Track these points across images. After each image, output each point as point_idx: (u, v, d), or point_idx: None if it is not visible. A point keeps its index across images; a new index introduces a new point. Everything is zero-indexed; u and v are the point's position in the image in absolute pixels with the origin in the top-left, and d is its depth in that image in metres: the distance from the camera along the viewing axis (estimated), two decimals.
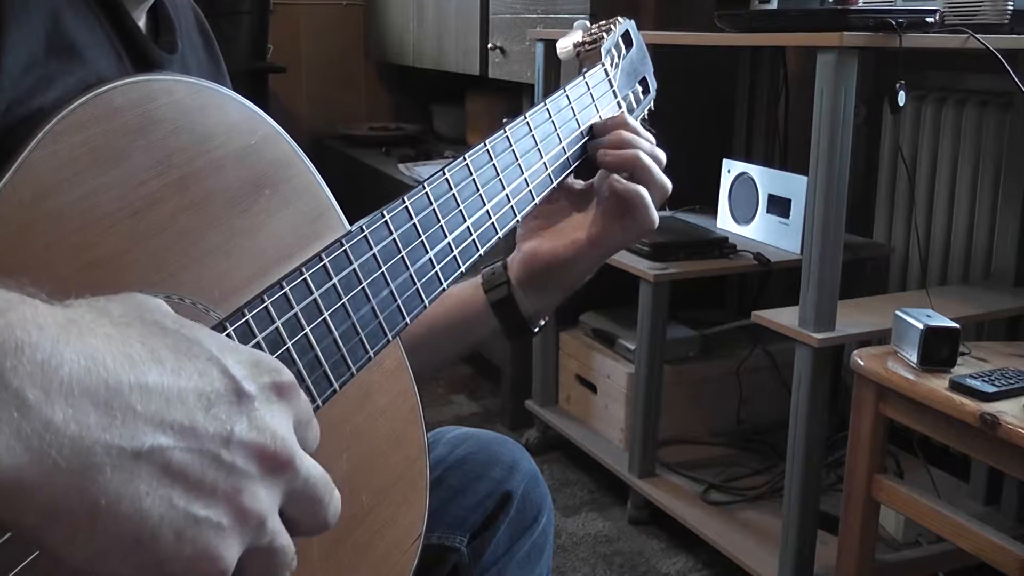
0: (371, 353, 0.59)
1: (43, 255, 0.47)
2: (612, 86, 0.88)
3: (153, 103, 0.51)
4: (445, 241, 0.66)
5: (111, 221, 0.49)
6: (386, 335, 0.60)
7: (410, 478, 0.66)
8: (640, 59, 0.93)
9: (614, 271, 1.97)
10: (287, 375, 0.43)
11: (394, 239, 0.62)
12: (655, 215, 0.79)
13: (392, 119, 3.89)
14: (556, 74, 2.21)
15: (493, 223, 0.71)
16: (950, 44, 1.59)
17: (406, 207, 0.63)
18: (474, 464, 0.90)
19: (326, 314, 0.56)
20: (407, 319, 0.62)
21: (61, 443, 0.34)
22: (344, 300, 0.57)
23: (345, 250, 0.58)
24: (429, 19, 3.21)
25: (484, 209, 0.70)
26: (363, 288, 0.59)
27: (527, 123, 0.76)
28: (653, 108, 0.96)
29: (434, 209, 0.66)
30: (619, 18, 0.92)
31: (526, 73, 2.51)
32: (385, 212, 0.62)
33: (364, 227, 0.60)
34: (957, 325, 1.37)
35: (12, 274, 0.40)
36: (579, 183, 0.84)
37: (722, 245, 2.02)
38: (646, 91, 0.94)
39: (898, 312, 1.43)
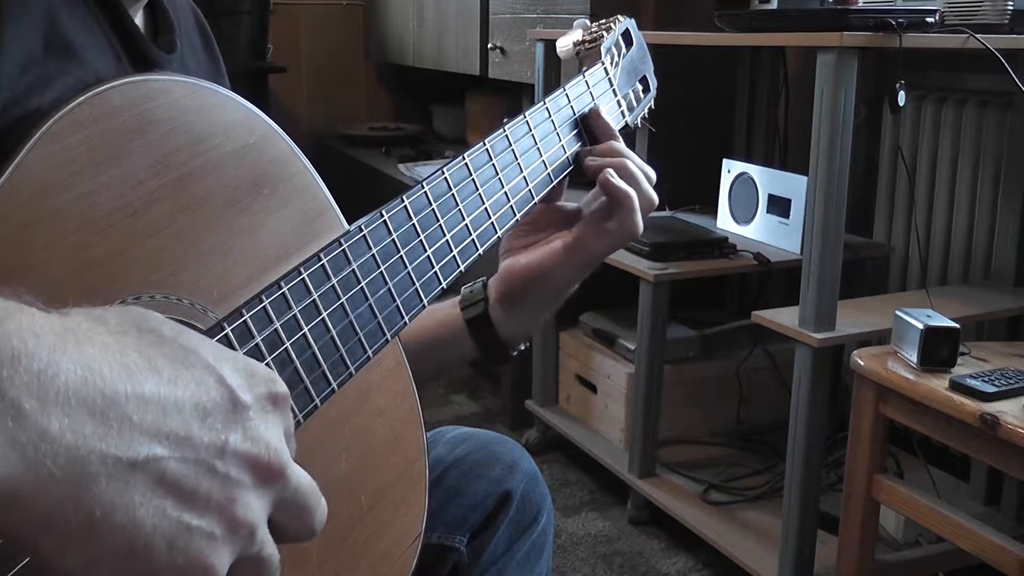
0: (370, 353, 0.59)
1: (41, 255, 0.46)
2: (612, 85, 0.88)
3: (151, 103, 0.51)
4: (444, 240, 0.66)
5: (109, 221, 0.49)
6: (385, 335, 0.60)
7: (409, 478, 0.66)
8: (640, 58, 0.93)
9: (614, 271, 1.97)
10: (282, 386, 0.43)
11: (393, 239, 0.62)
12: (640, 221, 0.77)
13: (392, 119, 3.89)
14: (556, 74, 2.21)
15: (492, 223, 0.71)
16: (950, 44, 1.59)
17: (405, 207, 0.63)
18: (474, 464, 0.90)
19: (324, 314, 0.56)
20: (406, 318, 0.62)
21: (56, 453, 0.34)
22: (343, 300, 0.57)
23: (344, 250, 0.58)
24: (429, 19, 3.21)
25: (483, 208, 0.70)
26: (362, 288, 0.59)
27: (526, 122, 0.76)
28: (653, 107, 0.96)
29: (433, 209, 0.66)
30: (619, 17, 0.92)
31: (526, 73, 2.51)
32: (384, 212, 0.62)
33: (363, 227, 0.60)
34: (957, 325, 1.37)
35: (9, 282, 0.40)
36: (570, 205, 0.82)
37: (722, 245, 2.02)
38: (646, 90, 0.94)
39: (898, 312, 1.43)
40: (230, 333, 0.50)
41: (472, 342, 0.83)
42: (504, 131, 0.73)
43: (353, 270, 0.58)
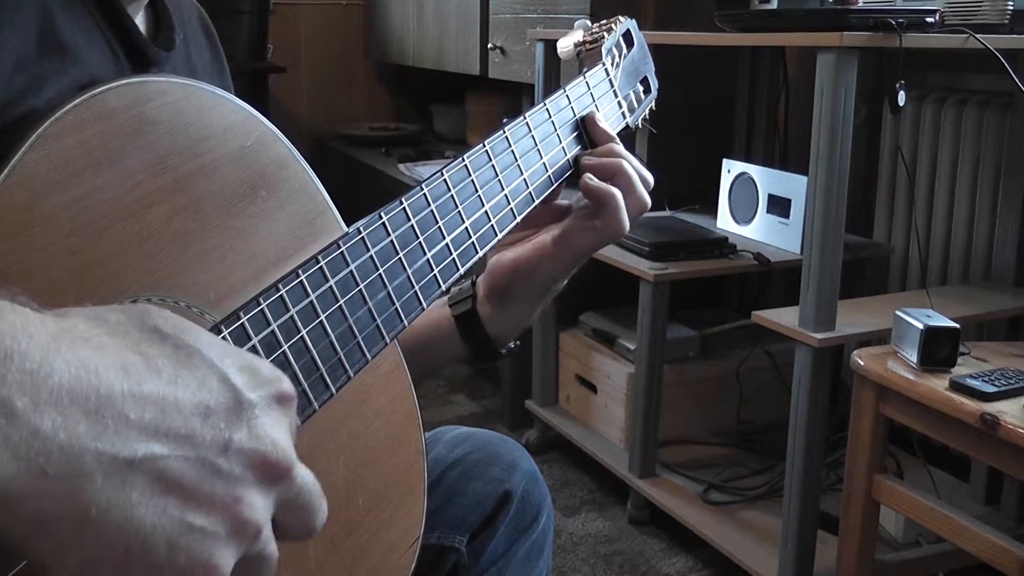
0: (369, 356, 0.58)
1: (38, 257, 0.46)
2: (613, 86, 0.87)
3: (148, 104, 0.51)
4: (444, 242, 0.66)
5: (106, 223, 0.49)
6: (384, 337, 0.60)
7: (408, 480, 0.66)
8: (641, 59, 0.93)
9: (614, 271, 1.97)
10: (287, 385, 0.42)
11: (392, 240, 0.61)
12: (625, 220, 0.77)
13: (392, 119, 3.89)
14: (556, 74, 2.21)
15: (492, 225, 0.71)
16: (950, 44, 1.59)
17: (404, 208, 0.63)
18: (473, 464, 0.90)
19: (323, 316, 0.55)
20: (405, 321, 0.61)
21: (49, 451, 0.34)
22: (341, 302, 0.57)
23: (342, 252, 0.58)
24: (429, 19, 3.20)
25: (483, 210, 0.70)
26: (360, 290, 0.58)
27: (526, 123, 0.76)
28: (654, 108, 0.96)
29: (432, 210, 0.65)
30: (620, 17, 0.92)
31: (526, 73, 2.51)
32: (383, 213, 0.61)
33: (361, 228, 0.60)
34: (957, 325, 1.37)
35: (6, 283, 0.40)
36: (562, 202, 0.82)
37: (722, 245, 2.02)
38: (647, 91, 0.94)
39: (898, 312, 1.43)
40: (227, 336, 0.50)
41: (461, 340, 0.83)
42: (504, 132, 0.73)
43: (351, 272, 0.58)
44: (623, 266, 1.96)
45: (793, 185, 2.02)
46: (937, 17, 1.57)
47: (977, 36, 1.54)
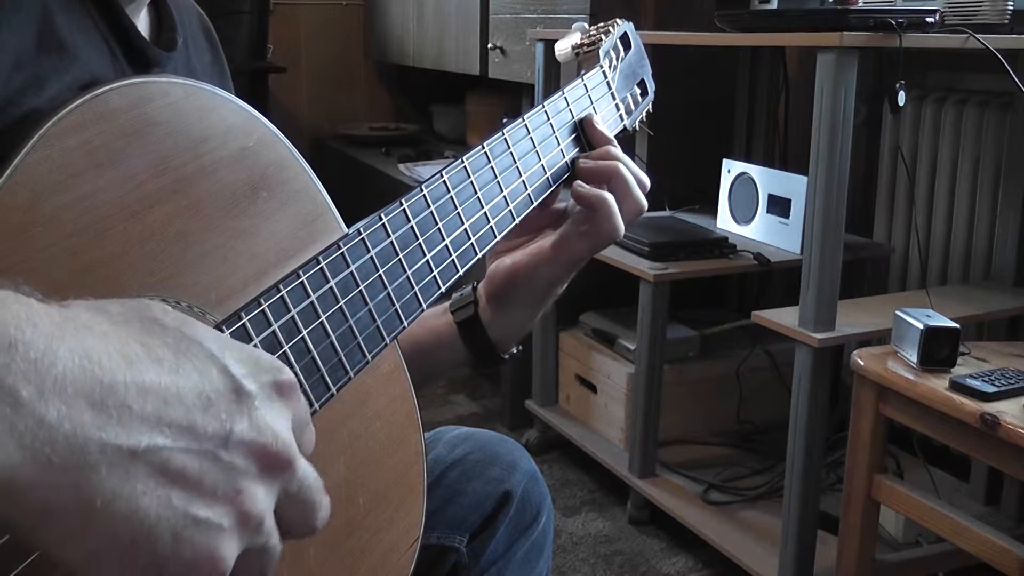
0: (369, 356, 0.59)
1: (40, 258, 0.46)
2: (610, 88, 0.88)
3: (149, 105, 0.51)
4: (443, 244, 0.66)
5: (108, 224, 0.49)
6: (384, 338, 0.60)
7: (408, 481, 0.66)
8: (638, 61, 0.93)
9: (614, 271, 1.97)
10: (288, 374, 0.42)
11: (392, 242, 0.62)
12: (619, 225, 0.77)
13: (392, 119, 3.89)
14: (556, 74, 2.21)
15: (492, 226, 0.71)
16: (950, 44, 1.59)
17: (404, 209, 0.63)
18: (473, 464, 0.90)
19: (323, 317, 0.55)
20: (405, 322, 0.62)
21: (55, 440, 0.34)
22: (342, 303, 0.57)
23: (343, 253, 0.58)
24: (429, 19, 3.20)
25: (482, 212, 0.70)
26: (361, 291, 0.59)
27: (525, 125, 0.76)
28: (652, 110, 0.96)
29: (432, 212, 0.65)
30: (617, 20, 0.92)
31: (526, 73, 2.51)
32: (383, 215, 0.61)
33: (362, 230, 0.60)
34: (957, 325, 1.37)
35: (9, 275, 0.40)
36: (562, 205, 0.82)
37: (722, 245, 2.02)
38: (644, 93, 0.94)
39: (898, 312, 1.43)
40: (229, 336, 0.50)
41: (463, 345, 0.83)
42: (503, 134, 0.73)
43: (352, 273, 0.58)
44: (623, 266, 1.96)
45: (793, 185, 2.02)
46: (937, 17, 1.57)
47: (977, 36, 1.54)
